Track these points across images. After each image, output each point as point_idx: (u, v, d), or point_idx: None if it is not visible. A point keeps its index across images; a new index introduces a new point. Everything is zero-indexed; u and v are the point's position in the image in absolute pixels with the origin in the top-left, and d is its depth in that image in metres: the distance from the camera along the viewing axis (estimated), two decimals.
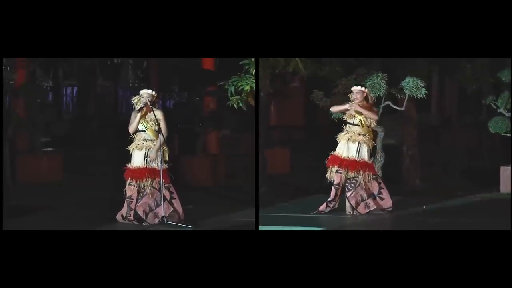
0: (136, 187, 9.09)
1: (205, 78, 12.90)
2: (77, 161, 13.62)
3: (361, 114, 9.68)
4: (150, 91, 9.23)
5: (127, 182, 9.11)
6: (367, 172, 9.70)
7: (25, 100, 12.61)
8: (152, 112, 9.13)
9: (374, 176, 9.78)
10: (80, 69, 16.95)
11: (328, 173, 9.80)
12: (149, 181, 9.10)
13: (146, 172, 9.08)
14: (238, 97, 8.94)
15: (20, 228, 8.49)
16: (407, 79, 10.27)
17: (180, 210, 9.15)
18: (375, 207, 9.72)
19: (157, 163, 9.04)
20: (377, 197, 9.77)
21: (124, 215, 9.11)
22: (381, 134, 10.67)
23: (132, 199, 9.08)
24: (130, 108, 9.57)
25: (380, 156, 10.69)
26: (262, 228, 8.55)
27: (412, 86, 10.18)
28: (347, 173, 9.69)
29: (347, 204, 9.73)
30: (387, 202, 9.78)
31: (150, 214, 9.11)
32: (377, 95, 10.27)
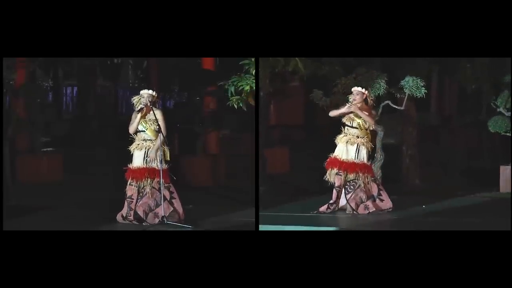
0: (136, 187, 9.10)
1: (205, 78, 12.89)
2: (77, 161, 13.60)
3: (359, 117, 9.71)
4: (150, 91, 9.24)
5: (128, 182, 9.12)
6: (366, 174, 9.73)
7: (25, 100, 12.59)
8: (152, 112, 9.14)
9: (372, 178, 9.82)
10: (80, 69, 16.93)
11: (328, 175, 9.83)
12: (149, 181, 9.10)
13: (145, 172, 9.09)
14: (238, 97, 8.94)
15: (20, 228, 8.49)
16: (406, 78, 10.27)
17: (180, 210, 9.16)
18: (374, 209, 9.76)
19: (157, 163, 9.05)
20: (377, 199, 9.83)
21: (124, 215, 9.11)
22: (380, 133, 10.68)
23: (132, 199, 9.09)
24: (130, 108, 9.57)
25: (379, 155, 10.70)
26: (262, 227, 8.56)
27: (412, 85, 10.18)
28: (346, 175, 9.72)
29: (347, 205, 9.77)
30: (386, 203, 9.82)
31: (150, 214, 9.11)
32: (376, 94, 10.28)
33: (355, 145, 9.72)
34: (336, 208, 9.80)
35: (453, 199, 10.95)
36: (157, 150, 9.07)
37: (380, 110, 10.68)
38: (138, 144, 9.18)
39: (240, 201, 10.58)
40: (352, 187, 9.74)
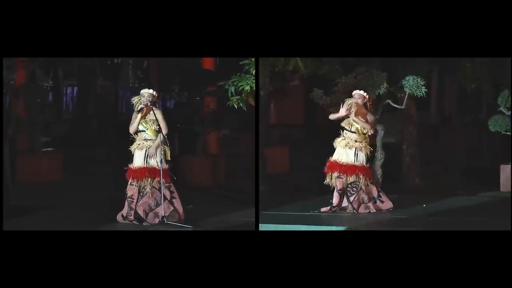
0: (137, 187, 9.10)
1: (205, 78, 12.89)
2: (77, 161, 13.60)
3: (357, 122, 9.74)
4: (150, 91, 9.24)
5: (129, 182, 9.12)
6: (365, 176, 9.77)
7: (25, 100, 12.58)
8: (152, 112, 9.13)
9: (371, 181, 9.86)
10: (80, 69, 16.93)
11: (328, 179, 9.85)
12: (149, 181, 9.09)
13: (146, 172, 9.08)
14: (238, 97, 8.94)
15: (20, 228, 8.48)
16: (407, 78, 10.28)
17: (181, 210, 9.15)
18: (375, 210, 9.83)
19: (157, 162, 9.04)
20: (378, 200, 9.89)
21: (125, 215, 9.11)
22: (381, 132, 10.69)
23: (133, 199, 9.09)
24: (130, 108, 9.56)
25: (380, 154, 10.71)
26: (262, 226, 8.56)
27: (412, 84, 10.19)
28: (347, 177, 9.74)
29: (349, 206, 9.78)
30: (387, 204, 9.89)
31: (150, 214, 9.11)
32: (377, 93, 10.28)
33: (354, 149, 9.76)
34: (338, 210, 9.82)
35: (453, 198, 10.96)
36: (157, 147, 9.06)
37: (380, 109, 10.68)
38: (139, 144, 9.18)
39: (240, 201, 10.57)
40: (354, 189, 9.78)
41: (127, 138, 9.24)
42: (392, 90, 10.64)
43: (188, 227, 8.84)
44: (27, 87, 12.55)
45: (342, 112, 9.81)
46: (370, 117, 9.83)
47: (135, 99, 9.28)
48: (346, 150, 9.79)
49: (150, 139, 9.16)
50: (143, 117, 9.16)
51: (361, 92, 9.85)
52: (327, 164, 9.88)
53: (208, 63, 13.31)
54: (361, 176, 9.75)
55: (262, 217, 8.82)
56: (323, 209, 9.81)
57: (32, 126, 12.79)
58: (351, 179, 9.76)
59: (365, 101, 9.85)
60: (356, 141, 9.79)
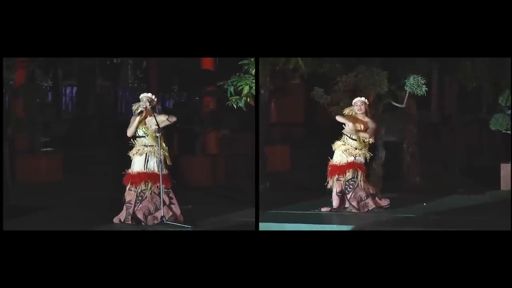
0: (135, 192, 9.07)
1: (204, 78, 12.88)
2: (76, 161, 13.60)
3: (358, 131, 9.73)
4: (149, 94, 9.22)
5: (127, 187, 9.09)
6: (363, 173, 9.76)
7: (25, 100, 12.57)
8: (153, 117, 9.08)
9: (368, 179, 9.88)
10: (80, 69, 16.94)
11: (331, 183, 9.84)
12: (149, 186, 9.07)
13: (146, 177, 9.05)
14: (238, 97, 8.92)
15: (20, 228, 8.47)
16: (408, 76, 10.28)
17: (179, 214, 9.13)
18: (374, 206, 9.83)
19: (157, 167, 9.02)
20: (376, 197, 9.89)
21: (122, 220, 9.07)
22: (381, 131, 10.69)
23: (131, 204, 9.06)
24: (129, 108, 9.55)
25: (380, 153, 10.70)
26: (262, 225, 8.55)
27: (413, 83, 10.17)
28: (345, 174, 9.72)
29: (348, 204, 9.78)
30: (385, 200, 9.90)
31: (149, 217, 9.08)
32: (377, 92, 10.28)
33: (353, 155, 9.76)
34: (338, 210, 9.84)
35: (453, 197, 10.96)
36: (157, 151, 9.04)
37: (381, 108, 10.68)
38: (139, 150, 9.14)
39: (240, 201, 10.56)
40: (351, 186, 9.77)
41: (126, 138, 9.22)
42: (393, 89, 10.63)
43: (188, 227, 8.83)
44: (26, 87, 12.55)
45: (349, 121, 9.75)
46: (371, 125, 9.80)
47: (135, 105, 9.24)
48: (346, 155, 9.79)
49: (150, 145, 9.12)
50: (141, 120, 9.13)
51: (362, 98, 9.82)
52: (329, 169, 9.86)
53: (207, 63, 13.31)
54: (359, 172, 9.74)
55: (262, 215, 8.81)
56: (323, 209, 9.82)
57: (32, 126, 12.79)
58: (349, 175, 9.74)
59: (366, 107, 9.80)
60: (356, 149, 9.79)
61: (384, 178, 11.01)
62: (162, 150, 9.03)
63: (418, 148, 12.43)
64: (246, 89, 8.80)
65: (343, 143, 9.84)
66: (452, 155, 14.11)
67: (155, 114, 9.12)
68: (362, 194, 9.80)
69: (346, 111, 9.87)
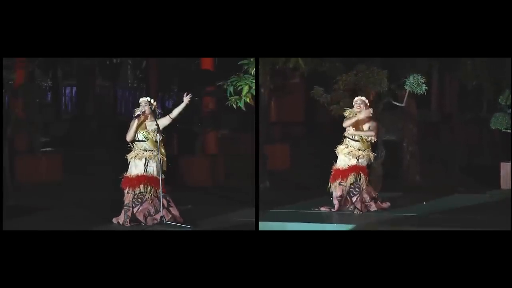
0: (133, 194, 9.05)
1: (204, 78, 12.87)
2: (76, 161, 13.61)
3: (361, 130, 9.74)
4: (147, 98, 9.22)
5: (125, 191, 9.08)
6: (365, 177, 9.75)
7: (24, 100, 12.58)
8: (154, 122, 9.08)
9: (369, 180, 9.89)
10: (79, 69, 16.94)
11: (332, 188, 9.84)
12: (148, 189, 9.05)
13: (145, 180, 9.04)
14: (237, 97, 8.92)
15: (19, 228, 8.47)
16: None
17: (178, 216, 9.11)
18: (375, 209, 9.86)
19: (156, 171, 9.01)
20: (378, 201, 9.91)
21: (121, 223, 9.06)
22: (381, 130, 10.69)
23: (129, 207, 9.05)
24: (129, 108, 9.54)
25: (380, 152, 10.70)
26: (262, 224, 8.55)
27: (413, 82, 10.17)
28: (348, 179, 9.71)
29: (353, 207, 9.77)
30: (385, 203, 9.95)
31: (149, 218, 9.07)
32: (378, 90, 10.28)
33: (356, 157, 9.74)
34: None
35: (453, 196, 10.97)
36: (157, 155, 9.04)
37: (381, 107, 10.67)
38: (138, 154, 9.11)
39: (239, 201, 10.55)
40: (357, 189, 9.76)
41: (126, 141, 9.20)
42: (393, 88, 10.62)
43: (188, 227, 8.82)
44: (26, 87, 12.55)
45: (351, 118, 9.74)
46: (373, 124, 9.79)
47: (136, 110, 9.22)
48: (349, 157, 9.77)
49: (150, 150, 9.10)
50: (140, 124, 9.11)
51: (362, 98, 9.80)
52: (332, 173, 9.84)
53: (207, 63, 13.30)
54: (362, 176, 9.73)
55: (261, 214, 8.81)
56: (322, 208, 9.82)
57: (31, 126, 12.78)
58: (352, 178, 9.73)
59: (366, 107, 9.78)
60: (359, 150, 9.77)
61: (384, 177, 11.01)
62: (161, 155, 9.03)
63: (418, 147, 12.43)
64: (245, 89, 8.80)
65: (346, 146, 9.82)
66: (452, 154, 14.12)
67: (156, 119, 9.11)
68: (366, 196, 9.83)
69: (347, 112, 9.84)
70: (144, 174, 9.05)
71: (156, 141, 9.08)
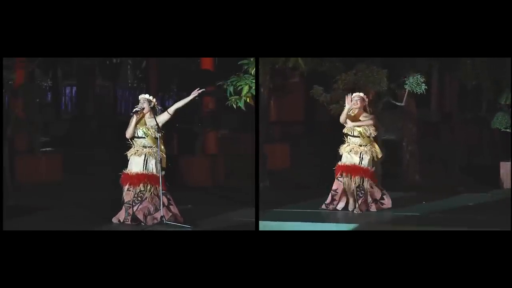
0: (134, 192, 9.05)
1: (204, 78, 12.85)
2: (76, 161, 13.60)
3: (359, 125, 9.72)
4: (147, 95, 9.23)
5: (125, 188, 9.08)
6: (369, 179, 9.75)
7: (24, 100, 12.57)
8: (153, 119, 9.08)
9: (375, 183, 9.85)
10: (79, 69, 16.92)
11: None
12: (148, 187, 9.06)
13: (145, 178, 9.04)
14: (237, 97, 8.92)
15: (19, 228, 8.47)
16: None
17: (178, 215, 9.12)
18: (375, 210, 9.85)
19: (156, 169, 9.01)
20: (379, 202, 9.91)
21: (122, 221, 9.07)
22: (381, 129, 10.69)
23: (130, 204, 9.05)
24: (129, 108, 9.55)
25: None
26: (262, 223, 8.56)
27: (412, 81, 10.18)
28: (350, 179, 9.71)
29: (356, 208, 9.76)
30: (387, 205, 9.96)
31: (149, 217, 9.08)
32: (377, 90, 10.28)
33: (358, 153, 9.74)
34: (333, 208, 9.82)
35: (453, 195, 10.95)
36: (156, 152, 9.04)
37: (380, 107, 10.67)
38: (137, 151, 9.12)
39: (239, 201, 10.55)
40: (363, 191, 9.75)
41: (125, 138, 9.21)
42: (392, 87, 10.62)
43: (188, 227, 8.82)
44: (26, 87, 12.54)
45: (347, 103, 9.73)
46: (370, 117, 9.79)
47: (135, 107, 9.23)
48: (351, 155, 9.77)
49: (149, 146, 9.11)
50: (139, 121, 9.12)
51: (360, 94, 9.81)
52: (336, 168, 9.84)
53: (207, 63, 13.29)
54: (365, 179, 9.74)
55: (261, 214, 8.81)
56: (323, 207, 9.84)
57: (31, 126, 12.77)
58: (357, 180, 9.74)
59: (364, 103, 9.79)
60: (360, 145, 9.77)
61: (383, 176, 11.00)
62: (160, 152, 9.04)
63: (417, 147, 12.43)
64: (245, 89, 8.80)
65: (347, 143, 9.83)
66: (452, 153, 14.11)
67: (155, 116, 9.11)
68: (369, 199, 9.84)
69: (345, 110, 9.85)
70: (144, 171, 9.06)
71: (156, 138, 9.08)
